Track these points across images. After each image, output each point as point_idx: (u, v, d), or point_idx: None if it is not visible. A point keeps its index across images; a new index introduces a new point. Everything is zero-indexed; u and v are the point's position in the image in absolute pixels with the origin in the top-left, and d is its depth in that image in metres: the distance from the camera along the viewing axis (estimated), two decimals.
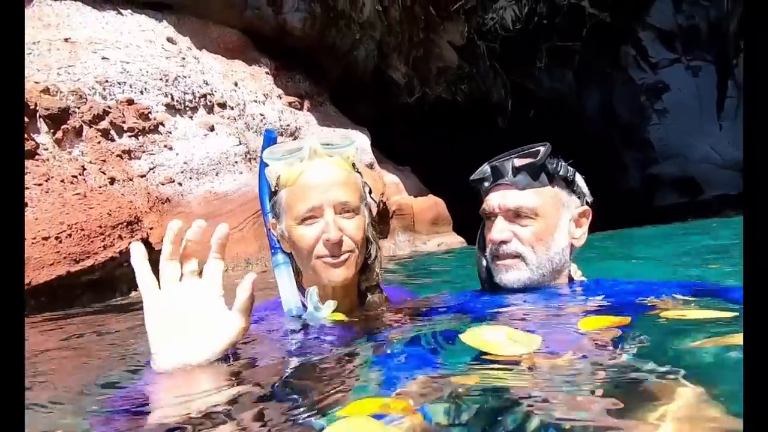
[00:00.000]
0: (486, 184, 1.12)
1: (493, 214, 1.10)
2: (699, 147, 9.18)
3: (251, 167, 4.84)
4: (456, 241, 7.05)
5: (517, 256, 1.08)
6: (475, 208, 1.18)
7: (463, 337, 0.78)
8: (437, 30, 9.59)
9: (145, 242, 2.80)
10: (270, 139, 1.10)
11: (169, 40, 5.01)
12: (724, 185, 8.96)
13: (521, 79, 11.30)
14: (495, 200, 1.10)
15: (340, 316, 1.01)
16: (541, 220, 1.08)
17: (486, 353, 0.75)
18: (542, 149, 1.11)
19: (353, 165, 1.07)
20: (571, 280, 1.17)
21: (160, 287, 0.74)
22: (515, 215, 1.08)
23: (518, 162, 1.09)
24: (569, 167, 1.12)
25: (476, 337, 0.79)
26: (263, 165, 1.06)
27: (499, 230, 1.09)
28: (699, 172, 9.21)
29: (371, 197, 1.11)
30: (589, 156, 10.54)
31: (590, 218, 1.15)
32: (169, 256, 0.74)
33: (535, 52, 11.16)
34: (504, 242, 1.08)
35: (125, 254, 2.59)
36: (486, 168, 1.13)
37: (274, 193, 1.05)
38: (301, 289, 1.05)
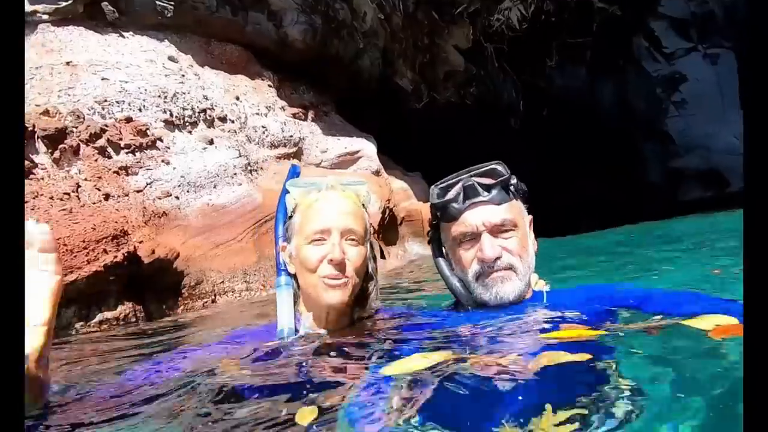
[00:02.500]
0: (456, 205, 1.13)
1: (476, 232, 1.11)
2: (722, 137, 8.69)
3: (252, 179, 4.84)
4: None
5: (509, 267, 1.11)
6: None
7: (384, 371, 0.83)
8: (442, 34, 9.49)
9: (134, 255, 2.79)
10: (294, 173, 1.24)
11: (171, 58, 5.10)
12: None
13: (532, 78, 11.06)
14: (477, 218, 1.11)
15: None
16: (519, 230, 1.13)
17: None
18: (500, 167, 1.15)
19: (363, 205, 1.17)
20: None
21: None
22: (499, 230, 1.11)
23: (486, 180, 1.13)
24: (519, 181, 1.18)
25: (398, 366, 0.85)
26: (284, 192, 1.17)
27: (491, 247, 1.11)
28: (724, 164, 8.71)
29: (373, 237, 1.21)
30: (607, 152, 10.15)
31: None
32: None
33: (545, 51, 10.91)
34: (498, 258, 1.10)
35: (111, 268, 2.58)
36: (451, 191, 1.14)
37: (289, 218, 1.15)
38: (298, 314, 1.14)
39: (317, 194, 1.13)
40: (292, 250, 1.12)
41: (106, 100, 3.95)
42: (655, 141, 9.50)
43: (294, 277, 1.14)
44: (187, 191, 3.95)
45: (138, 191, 3.61)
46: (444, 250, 1.22)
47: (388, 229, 6.45)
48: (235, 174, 4.46)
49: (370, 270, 1.17)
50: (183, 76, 4.86)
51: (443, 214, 1.16)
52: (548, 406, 0.64)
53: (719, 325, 0.83)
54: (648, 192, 9.46)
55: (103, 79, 4.10)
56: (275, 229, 1.20)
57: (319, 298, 1.08)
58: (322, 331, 1.08)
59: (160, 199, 3.72)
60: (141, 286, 2.86)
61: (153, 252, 2.95)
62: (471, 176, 1.15)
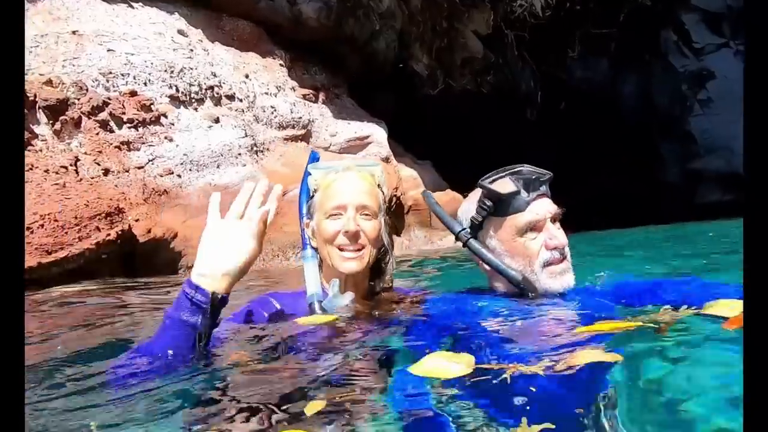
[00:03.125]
0: (520, 197, 1.17)
1: (542, 221, 1.17)
2: None
3: (257, 160, 4.74)
4: None
5: (565, 257, 1.18)
6: None
7: (412, 369, 0.85)
8: (461, 19, 9.16)
9: (128, 234, 2.72)
10: (314, 158, 1.37)
11: (180, 32, 4.97)
12: None
13: (552, 69, 10.69)
14: (543, 208, 1.18)
15: (332, 318, 1.15)
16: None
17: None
18: (532, 168, 1.22)
19: (378, 185, 1.30)
20: None
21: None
22: (554, 220, 1.18)
23: (540, 176, 1.20)
24: None
25: (421, 366, 0.85)
26: (306, 174, 1.31)
27: (563, 234, 1.18)
28: None
29: (387, 218, 1.32)
30: (626, 149, 9.85)
31: None
32: (240, 201, 0.99)
33: (568, 41, 10.51)
34: (566, 244, 1.17)
35: (103, 246, 2.51)
36: (511, 185, 1.18)
37: (311, 198, 1.28)
38: (323, 283, 1.26)
39: (335, 175, 1.26)
40: (314, 226, 1.25)
41: (110, 72, 3.85)
42: (676, 140, 9.15)
43: (317, 250, 1.27)
44: (190, 170, 3.87)
45: (139, 168, 3.54)
46: (489, 245, 1.25)
47: (394, 217, 6.34)
48: (240, 154, 4.37)
49: (385, 243, 1.28)
50: (191, 51, 4.74)
51: (506, 207, 1.18)
52: (524, 419, 0.66)
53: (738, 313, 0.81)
54: (665, 192, 9.16)
55: (109, 50, 3.99)
56: (299, 208, 1.33)
57: (337, 268, 1.20)
58: (348, 297, 1.18)
59: (161, 176, 3.64)
60: (135, 265, 2.80)
61: (149, 231, 2.88)
62: (519, 173, 1.20)
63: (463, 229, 1.27)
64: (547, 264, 1.16)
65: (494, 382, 0.76)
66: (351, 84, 7.75)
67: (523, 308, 1.13)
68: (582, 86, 10.40)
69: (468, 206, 1.29)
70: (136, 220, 2.87)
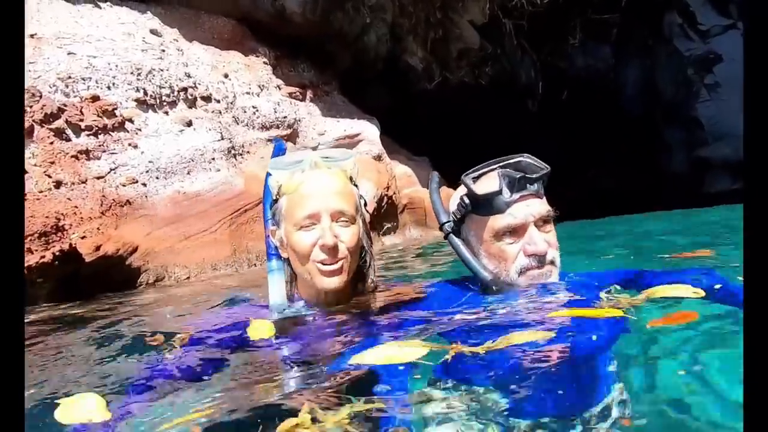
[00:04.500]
0: (504, 197, 1.07)
1: (524, 226, 1.07)
2: None
3: (234, 164, 4.41)
4: None
5: (552, 262, 1.09)
6: None
7: (354, 359, 0.83)
8: (456, 8, 8.67)
9: (71, 253, 2.42)
10: (279, 149, 1.18)
11: (153, 32, 4.63)
12: None
13: (552, 57, 10.19)
14: (526, 211, 1.07)
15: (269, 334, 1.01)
16: (552, 224, 1.12)
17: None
18: (532, 160, 1.10)
19: (351, 178, 1.13)
20: None
21: None
22: (542, 223, 1.08)
23: (530, 173, 1.09)
24: None
25: (371, 355, 0.81)
26: (268, 175, 1.13)
27: (542, 240, 1.08)
28: None
29: (365, 209, 1.16)
30: (630, 138, 9.37)
31: None
32: None
33: (568, 28, 9.99)
34: (546, 252, 1.08)
35: (36, 270, 2.22)
36: (492, 182, 1.08)
37: (275, 201, 1.10)
38: (296, 296, 1.12)
39: (301, 176, 1.06)
40: (283, 236, 1.08)
41: (70, 77, 3.54)
42: (682, 127, 8.63)
43: (287, 260, 1.11)
44: (156, 178, 3.56)
45: (99, 178, 3.24)
46: (470, 244, 1.16)
47: (385, 217, 6.00)
48: (213, 159, 4.04)
49: (364, 245, 1.14)
50: (163, 51, 4.41)
51: (485, 206, 1.07)
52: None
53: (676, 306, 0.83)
54: (670, 181, 8.68)
55: (69, 53, 3.68)
56: (264, 213, 1.16)
57: (317, 285, 1.06)
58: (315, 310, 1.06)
59: (123, 186, 3.34)
60: (80, 286, 2.51)
61: (98, 248, 2.58)
62: (514, 168, 1.07)
63: (448, 221, 1.18)
64: (524, 271, 1.07)
65: (440, 361, 0.73)
66: (343, 80, 7.38)
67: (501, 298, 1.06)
68: (584, 74, 9.92)
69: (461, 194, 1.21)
70: (82, 237, 2.58)
